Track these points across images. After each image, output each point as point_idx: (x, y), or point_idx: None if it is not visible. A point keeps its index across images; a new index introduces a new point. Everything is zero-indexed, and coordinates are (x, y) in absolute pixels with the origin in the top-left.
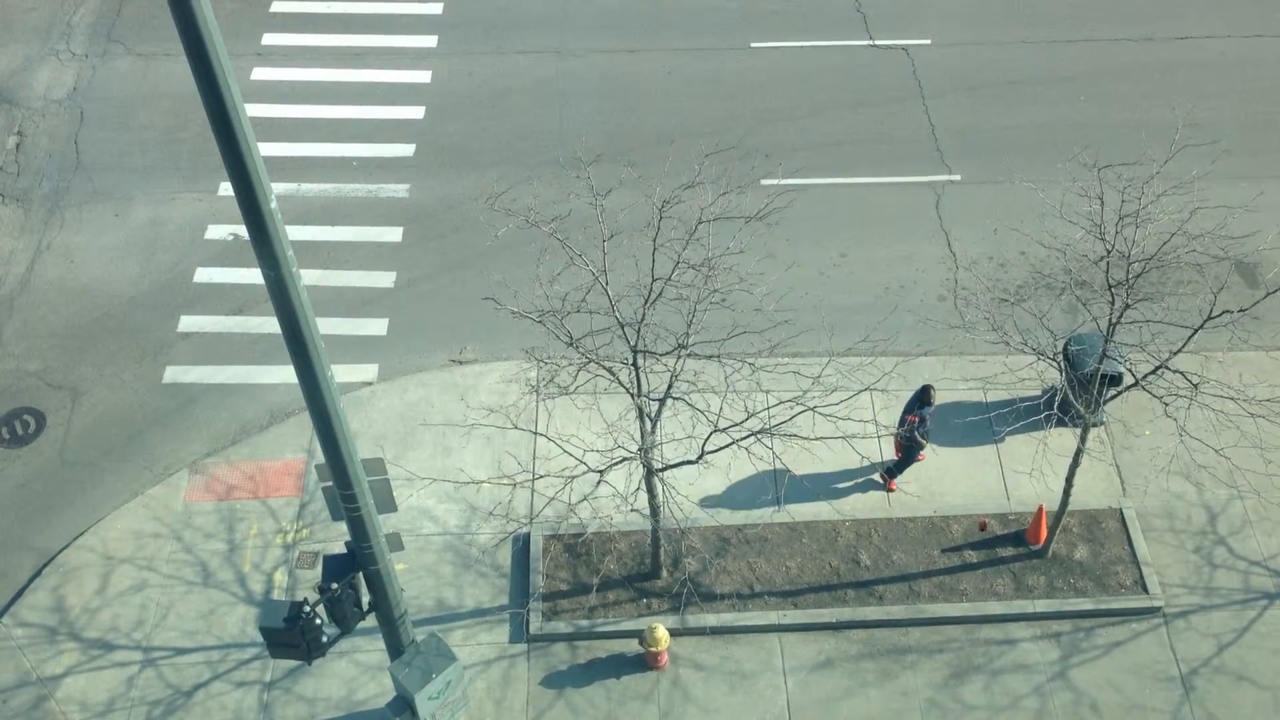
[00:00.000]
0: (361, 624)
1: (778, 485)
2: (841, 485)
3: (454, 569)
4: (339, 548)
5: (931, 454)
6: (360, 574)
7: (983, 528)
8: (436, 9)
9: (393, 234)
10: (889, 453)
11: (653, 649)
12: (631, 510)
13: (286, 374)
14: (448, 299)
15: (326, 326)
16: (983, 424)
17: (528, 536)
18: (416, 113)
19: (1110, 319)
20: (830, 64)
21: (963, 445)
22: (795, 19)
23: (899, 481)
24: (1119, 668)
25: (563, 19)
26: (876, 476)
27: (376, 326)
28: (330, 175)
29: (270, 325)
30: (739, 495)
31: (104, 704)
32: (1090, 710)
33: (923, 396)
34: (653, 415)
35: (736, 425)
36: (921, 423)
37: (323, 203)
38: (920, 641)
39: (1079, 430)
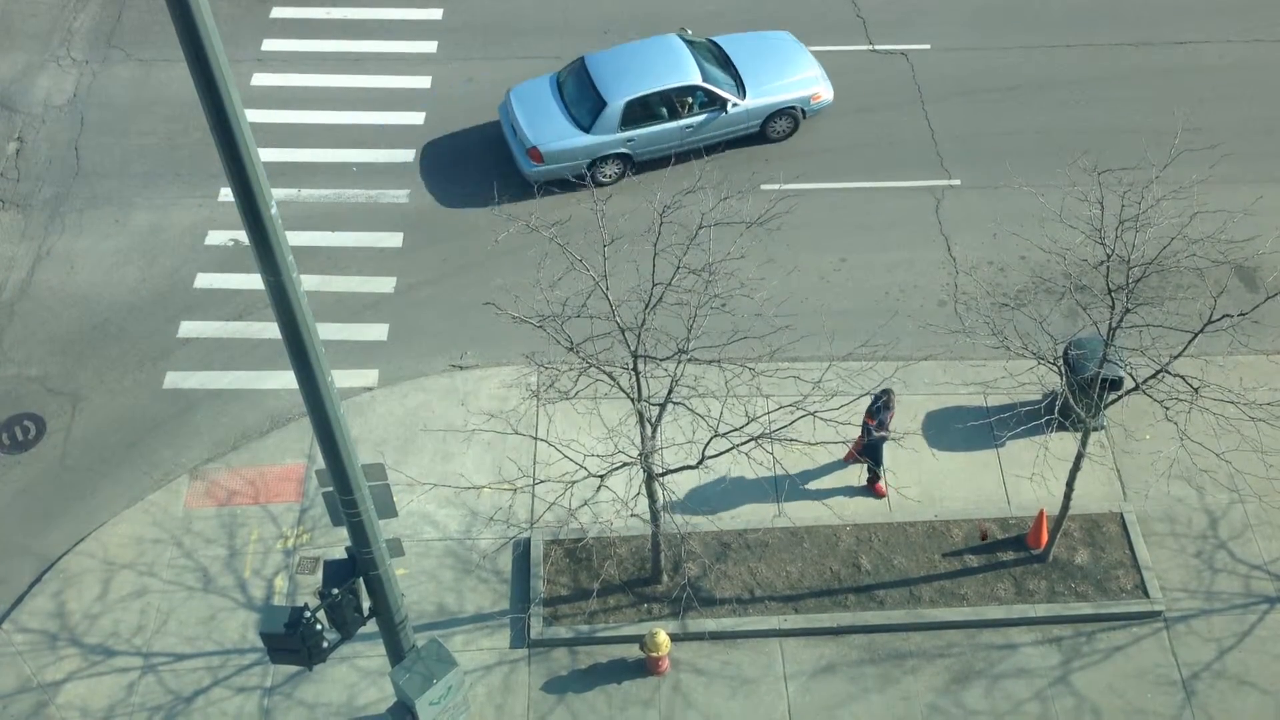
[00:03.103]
0: (362, 629)
1: (778, 490)
2: (842, 490)
3: (454, 574)
4: (339, 553)
5: (932, 458)
6: (361, 579)
7: (984, 537)
8: (436, 14)
9: (393, 239)
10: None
11: (654, 654)
12: (632, 515)
13: (287, 379)
14: (448, 304)
15: (327, 332)
16: (983, 428)
17: (528, 541)
18: (417, 118)
19: (1110, 323)
20: (830, 69)
21: (963, 450)
22: (794, 24)
23: (897, 484)
24: (1120, 672)
25: (562, 24)
26: (866, 482)
27: (377, 332)
28: (330, 181)
29: (270, 330)
30: (739, 500)
31: (104, 710)
32: (1092, 715)
33: (884, 401)
34: (653, 420)
35: (737, 430)
36: (880, 425)
37: (323, 208)
38: (921, 646)
39: (1080, 434)
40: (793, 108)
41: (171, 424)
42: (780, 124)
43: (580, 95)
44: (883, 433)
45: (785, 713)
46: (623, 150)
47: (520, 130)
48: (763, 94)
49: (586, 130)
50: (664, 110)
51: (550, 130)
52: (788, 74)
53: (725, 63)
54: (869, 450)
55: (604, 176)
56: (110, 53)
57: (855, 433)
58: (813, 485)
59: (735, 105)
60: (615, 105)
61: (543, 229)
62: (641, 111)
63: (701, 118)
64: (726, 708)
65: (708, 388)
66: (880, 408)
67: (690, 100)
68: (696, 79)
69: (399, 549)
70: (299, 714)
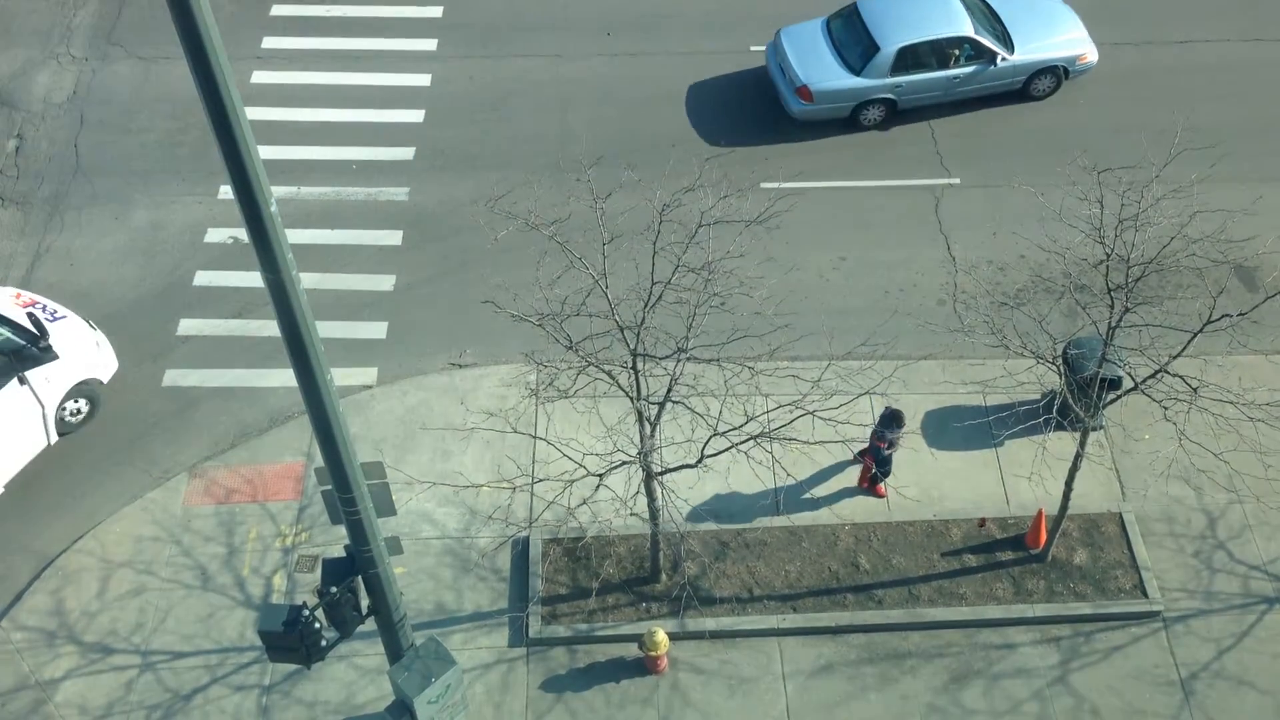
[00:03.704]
0: (360, 628)
1: (777, 489)
2: (841, 489)
3: (453, 573)
4: (338, 551)
5: (931, 458)
6: (359, 578)
7: (981, 524)
8: (436, 12)
9: (392, 237)
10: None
11: (652, 653)
12: (631, 514)
13: (286, 377)
14: (447, 302)
15: (326, 330)
16: (982, 428)
17: (527, 540)
18: (416, 116)
19: (1110, 323)
20: None
21: (962, 449)
22: (794, 22)
23: (896, 484)
24: (1119, 672)
25: (562, 22)
26: (867, 482)
27: (376, 330)
28: (330, 178)
29: (270, 328)
30: (738, 499)
31: (103, 707)
32: (1090, 715)
33: (890, 421)
34: (652, 419)
35: (736, 429)
36: (890, 445)
37: (322, 206)
38: (920, 646)
39: (1078, 434)
40: (1058, 66)
41: (170, 422)
42: (1044, 82)
43: (852, 39)
44: (893, 450)
45: (783, 712)
46: (889, 96)
47: (790, 69)
48: (1030, 50)
49: (857, 73)
50: (934, 59)
51: (820, 70)
52: (1055, 32)
53: (993, 17)
54: (879, 464)
55: (866, 120)
56: (110, 50)
57: (853, 431)
58: (812, 485)
59: (1004, 60)
60: (888, 50)
61: (542, 227)
62: (912, 59)
63: (969, 69)
64: (725, 707)
65: (707, 386)
66: (890, 428)
67: (958, 52)
68: (969, 30)
69: (398, 547)
70: (297, 712)
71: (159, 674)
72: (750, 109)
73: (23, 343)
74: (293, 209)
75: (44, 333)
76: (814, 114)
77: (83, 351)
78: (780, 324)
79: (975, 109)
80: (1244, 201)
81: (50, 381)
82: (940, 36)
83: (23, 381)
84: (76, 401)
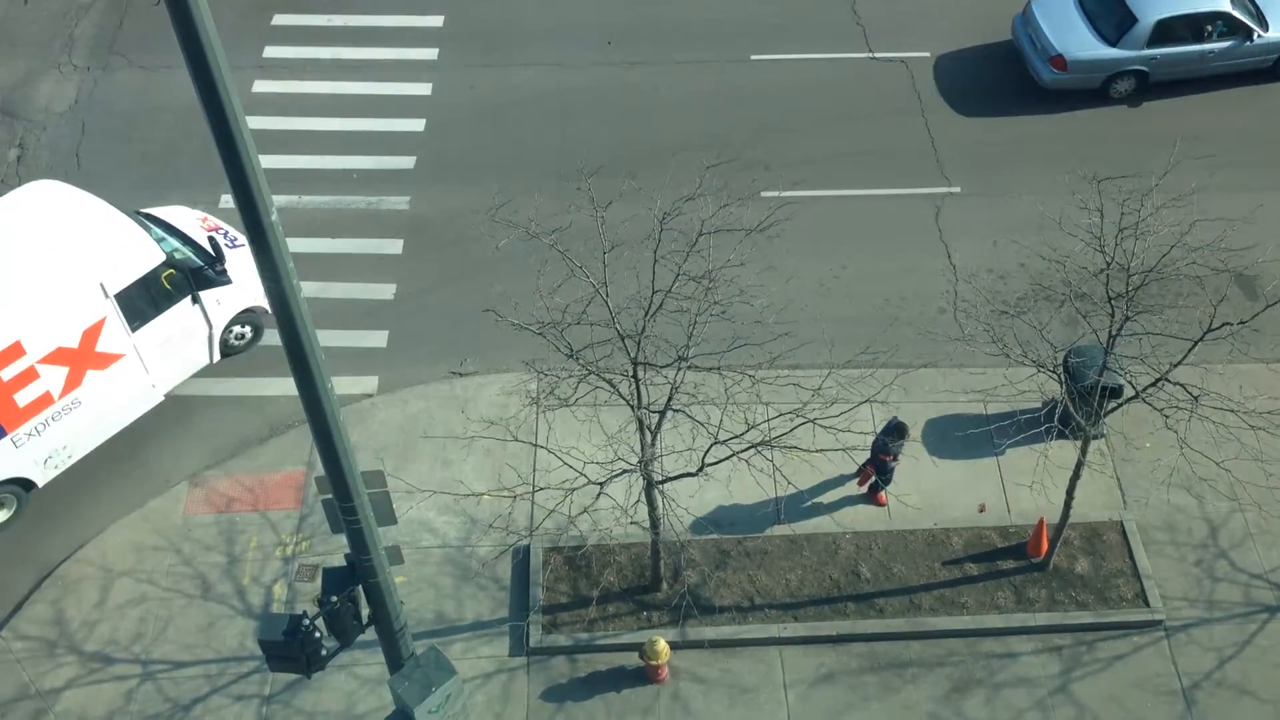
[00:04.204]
0: (361, 637)
1: (778, 498)
2: (842, 498)
3: (454, 582)
4: (339, 560)
5: (932, 467)
6: (360, 587)
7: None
8: (437, 22)
9: (393, 246)
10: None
11: (653, 662)
12: (631, 523)
13: (287, 386)
14: (448, 311)
15: (327, 338)
16: (983, 437)
17: (527, 549)
18: (417, 125)
19: (1110, 331)
20: (830, 76)
21: (963, 458)
22: (795, 32)
23: (897, 492)
24: (1120, 681)
25: (563, 31)
26: (867, 489)
27: (377, 338)
28: (331, 187)
29: (270, 337)
30: (739, 508)
31: (103, 717)
32: None
33: (897, 432)
34: (653, 427)
35: (736, 437)
36: (894, 457)
37: (323, 215)
38: (921, 655)
39: (1079, 443)
40: None
41: (171, 430)
42: None
43: (1108, 10)
44: (896, 462)
45: None
46: (1142, 68)
47: (1044, 39)
48: None
49: (1112, 44)
50: (1188, 33)
51: (1076, 40)
52: None
53: None
54: (880, 472)
55: (1116, 92)
56: (112, 59)
57: (854, 439)
58: (812, 493)
59: (1259, 37)
60: (1147, 22)
61: (543, 236)
62: (1168, 32)
63: (1223, 45)
64: (726, 716)
65: (707, 395)
66: (894, 440)
67: (1213, 27)
68: (1226, 5)
69: (398, 556)
70: None
71: (159, 684)
72: (752, 117)
73: (201, 264)
74: (294, 218)
75: (221, 257)
76: (1065, 83)
77: (254, 280)
78: (781, 332)
79: (1221, 87)
80: (1244, 210)
81: (221, 304)
82: (1197, 10)
83: (195, 300)
84: (242, 327)
